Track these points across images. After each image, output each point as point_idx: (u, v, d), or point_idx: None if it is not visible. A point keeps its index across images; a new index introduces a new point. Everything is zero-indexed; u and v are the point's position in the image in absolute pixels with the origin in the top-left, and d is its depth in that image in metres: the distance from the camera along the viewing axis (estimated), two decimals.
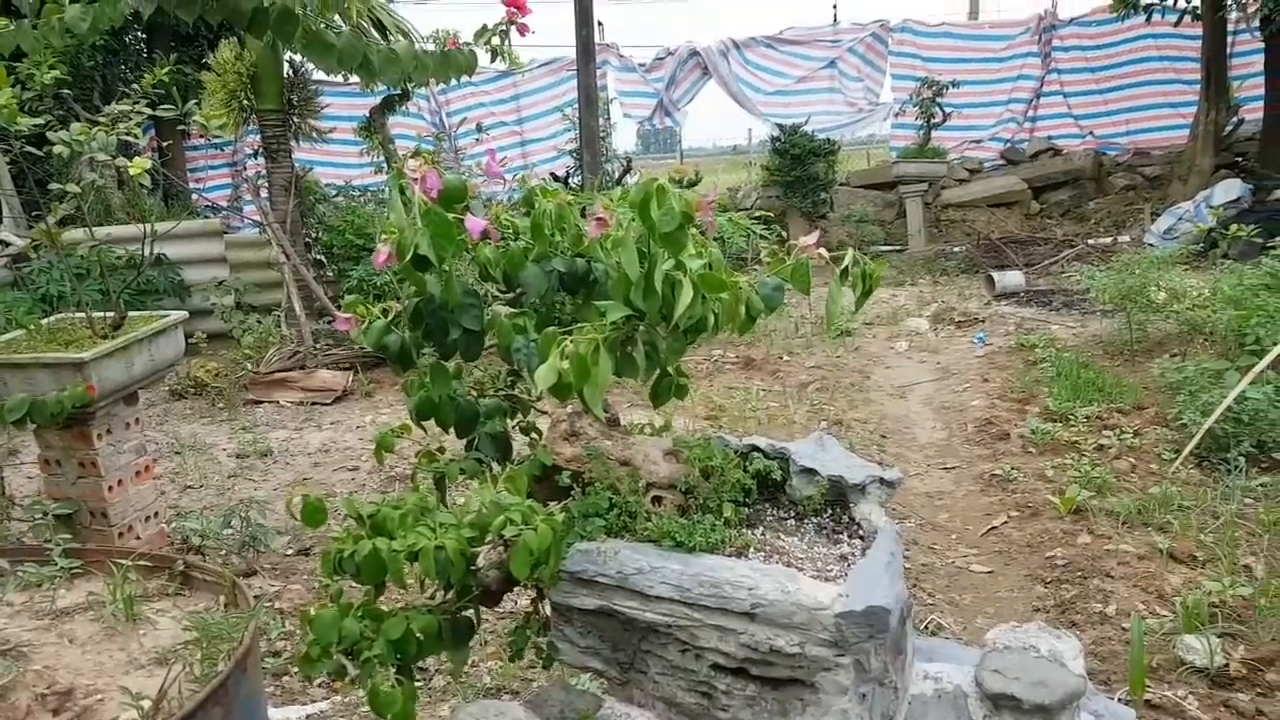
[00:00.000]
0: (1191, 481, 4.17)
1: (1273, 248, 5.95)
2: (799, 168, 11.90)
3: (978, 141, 14.14)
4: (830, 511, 2.06)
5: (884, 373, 6.59)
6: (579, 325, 1.70)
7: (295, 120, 8.22)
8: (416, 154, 1.54)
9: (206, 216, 10.23)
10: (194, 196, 11.55)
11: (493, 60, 2.50)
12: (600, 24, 11.87)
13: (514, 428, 2.13)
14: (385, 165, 9.60)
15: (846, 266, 1.69)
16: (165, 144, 11.46)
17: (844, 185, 12.99)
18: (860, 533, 1.99)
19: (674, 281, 1.44)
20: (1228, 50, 12.10)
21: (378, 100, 9.81)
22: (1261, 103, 11.84)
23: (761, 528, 2.01)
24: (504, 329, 1.73)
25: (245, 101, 7.81)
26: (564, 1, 10.25)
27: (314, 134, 8.41)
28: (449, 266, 1.65)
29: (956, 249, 11.40)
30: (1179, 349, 6.05)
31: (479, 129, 11.57)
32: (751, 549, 1.88)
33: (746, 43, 13.74)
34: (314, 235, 8.58)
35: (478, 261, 1.83)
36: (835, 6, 19.53)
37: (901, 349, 7.19)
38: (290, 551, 4.10)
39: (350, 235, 8.34)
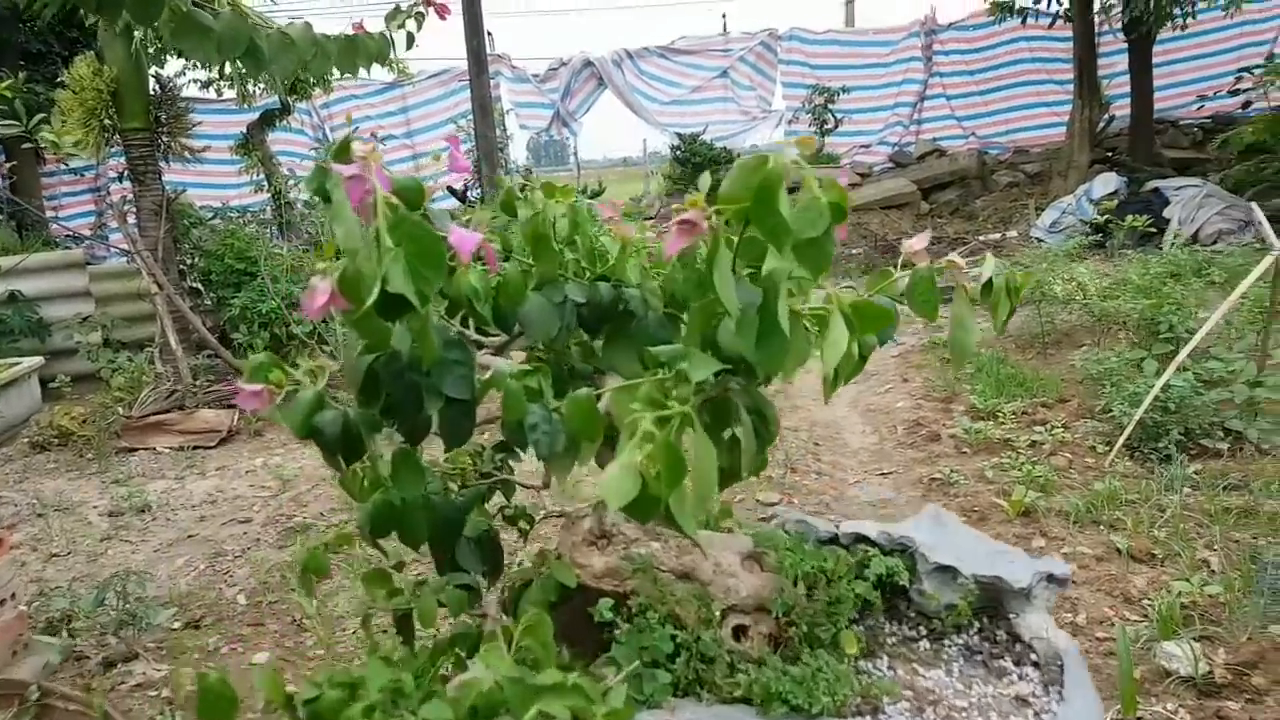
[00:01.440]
0: (1129, 474, 4.10)
1: (1152, 233, 6.04)
2: (700, 175, 11.80)
3: (867, 146, 14.36)
4: (978, 625, 1.52)
5: (806, 378, 6.40)
6: (596, 373, 1.31)
7: (164, 139, 7.60)
8: (346, 146, 0.99)
9: (67, 247, 9.43)
10: (51, 225, 10.67)
11: (404, 46, 2.14)
12: (490, 34, 11.52)
13: (496, 515, 1.58)
14: (266, 183, 9.05)
15: (990, 280, 1.21)
16: (10, 165, 10.57)
17: None
18: (1032, 657, 1.45)
19: (820, 317, 0.96)
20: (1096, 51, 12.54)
21: (255, 116, 9.28)
22: (1128, 100, 12.35)
23: (886, 656, 1.46)
24: (512, 396, 1.11)
25: (107, 121, 7.18)
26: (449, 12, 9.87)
27: (186, 153, 7.79)
28: (429, 308, 1.13)
29: (855, 250, 11.45)
30: (1089, 340, 6.10)
31: (375, 139, 11.04)
32: (886, 699, 1.32)
33: (640, 53, 13.62)
34: (189, 261, 7.96)
35: (451, 294, 1.26)
36: (725, 16, 19.64)
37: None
38: (177, 625, 3.62)
39: (230, 260, 7.76)
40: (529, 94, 13.52)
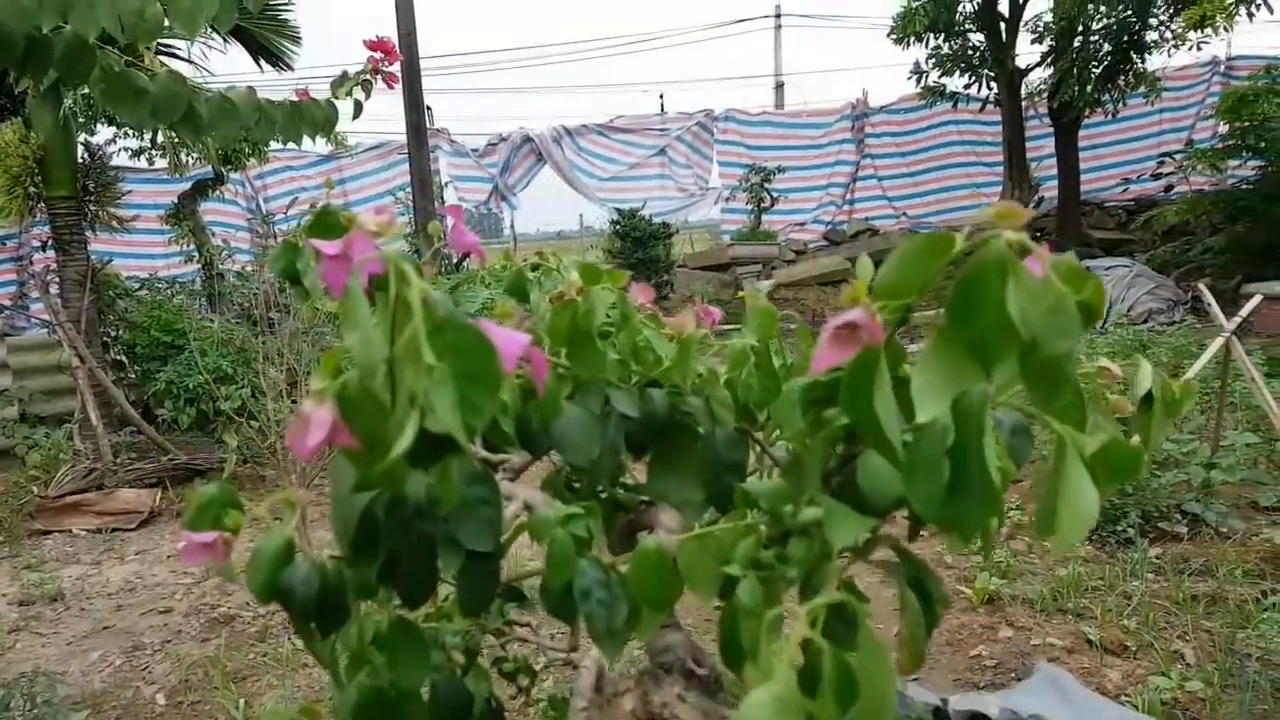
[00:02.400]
0: (1091, 558, 4.05)
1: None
2: (640, 250, 11.90)
3: (801, 224, 14.62)
4: None
5: None
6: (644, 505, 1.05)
7: (91, 208, 7.34)
8: (327, 216, 0.86)
9: None
10: None
11: (352, 115, 2.02)
12: (429, 108, 11.51)
13: (491, 668, 1.30)
14: (196, 254, 8.79)
15: (1150, 391, 0.92)
16: None
17: (682, 267, 13.06)
18: None
19: (1061, 454, 0.64)
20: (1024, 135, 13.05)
21: (188, 185, 9.06)
22: (1055, 182, 12.81)
23: None
24: (560, 551, 0.85)
25: (32, 188, 6.90)
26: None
27: (114, 222, 7.52)
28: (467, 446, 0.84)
29: (793, 325, 11.51)
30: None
31: (313, 210, 10.80)
32: None
33: (579, 130, 13.74)
34: (113, 334, 7.62)
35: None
36: (662, 97, 20.04)
37: None
38: None
39: (156, 332, 7.44)
40: (468, 168, 13.52)
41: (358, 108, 1.97)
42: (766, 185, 13.10)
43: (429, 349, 0.60)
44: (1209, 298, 4.15)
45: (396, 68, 1.91)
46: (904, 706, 1.40)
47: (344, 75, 1.96)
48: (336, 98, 1.97)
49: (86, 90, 7.33)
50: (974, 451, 0.63)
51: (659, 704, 1.08)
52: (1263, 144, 9.67)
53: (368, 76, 1.95)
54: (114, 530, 5.68)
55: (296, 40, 7.05)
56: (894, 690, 0.64)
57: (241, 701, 3.34)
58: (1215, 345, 4.09)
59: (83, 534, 5.66)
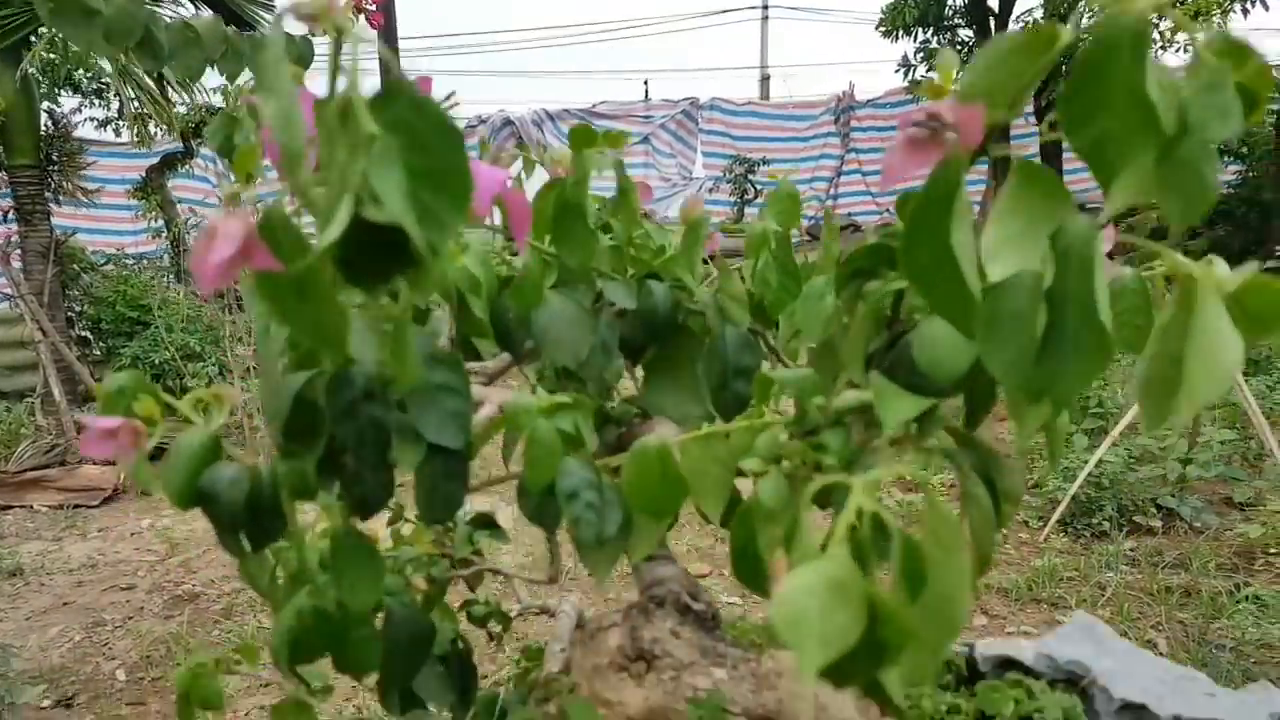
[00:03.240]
0: (1066, 550, 4.03)
1: None
2: None
3: None
4: None
5: None
6: (639, 417, 0.90)
7: (55, 178, 7.15)
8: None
9: None
10: None
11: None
12: None
13: (459, 613, 1.16)
14: (165, 230, 8.61)
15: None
16: None
17: None
18: None
19: (1190, 297, 0.50)
20: (1010, 133, 13.07)
21: (156, 159, 8.87)
22: None
23: None
24: (542, 446, 0.71)
25: None
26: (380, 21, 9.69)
27: (79, 194, 7.33)
28: (441, 271, 0.69)
29: None
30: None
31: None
32: None
33: (560, 114, 13.61)
34: (78, 309, 7.44)
35: (423, 287, 0.70)
36: (646, 83, 19.94)
37: None
38: (46, 704, 3.20)
39: (122, 307, 7.27)
40: None
41: (337, 41, 1.87)
42: (750, 177, 13.04)
43: (372, 117, 0.44)
44: None
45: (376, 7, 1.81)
46: None
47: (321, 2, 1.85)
48: (313, 31, 1.86)
49: (49, 55, 7.14)
50: (1080, 296, 0.48)
51: (649, 639, 0.97)
52: (1244, 149, 9.71)
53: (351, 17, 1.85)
54: (76, 507, 5.53)
55: (270, 8, 6.86)
56: (968, 582, 0.51)
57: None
58: None
59: (44, 510, 5.52)
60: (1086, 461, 4.20)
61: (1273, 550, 3.73)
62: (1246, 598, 3.36)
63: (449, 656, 1.04)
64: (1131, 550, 3.93)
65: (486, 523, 1.11)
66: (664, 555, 1.05)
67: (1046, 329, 0.49)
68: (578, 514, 0.71)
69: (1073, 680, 1.13)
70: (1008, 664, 1.20)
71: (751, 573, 0.66)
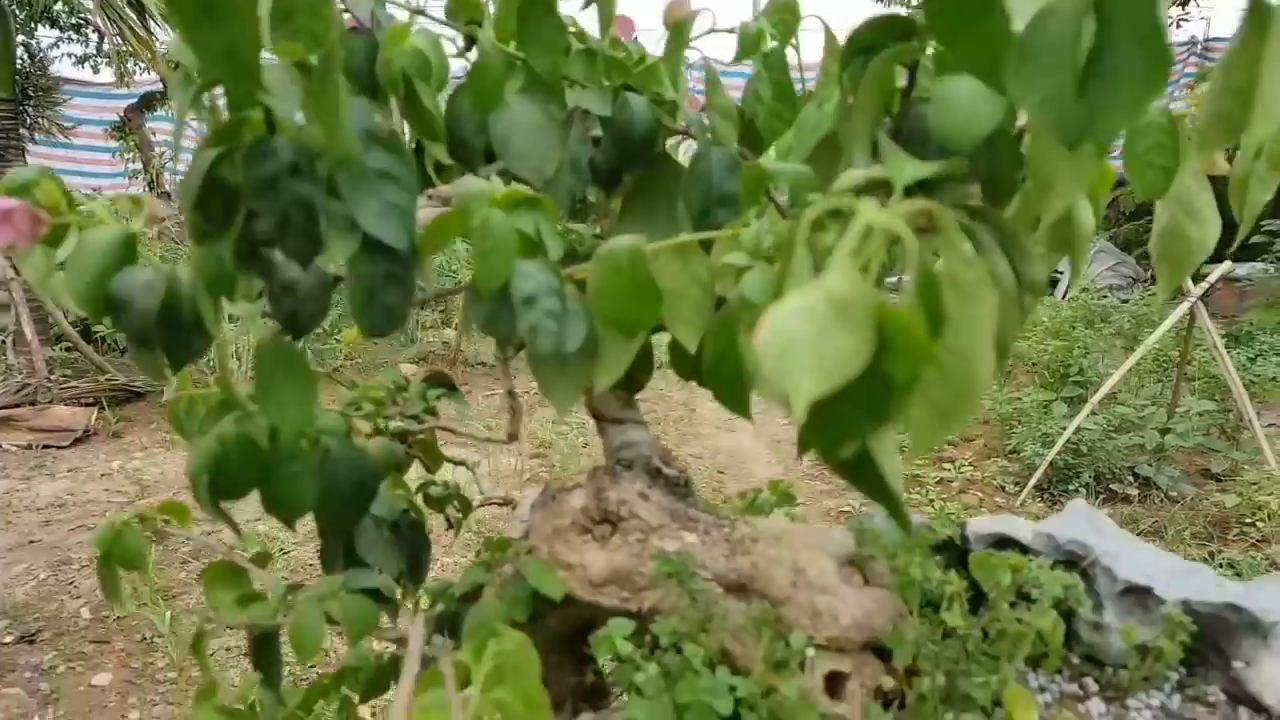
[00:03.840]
0: (1042, 515, 4.05)
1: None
2: None
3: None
4: (1175, 678, 1.03)
5: (709, 405, 6.27)
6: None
7: (30, 113, 6.98)
8: None
9: None
10: None
11: None
12: None
13: (415, 494, 1.08)
14: (142, 171, 8.44)
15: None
16: None
17: None
18: None
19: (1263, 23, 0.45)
20: None
21: (134, 100, 8.68)
22: None
23: None
24: (494, 239, 0.61)
25: None
26: None
27: (55, 129, 7.17)
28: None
29: None
30: (993, 380, 6.14)
31: None
32: None
33: None
34: None
35: (366, 70, 0.73)
36: (635, 39, 19.67)
37: None
38: (9, 639, 3.15)
39: None
40: None
41: None
42: None
43: None
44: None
45: None
46: (916, 530, 1.09)
47: None
48: None
49: None
50: (1132, 5, 0.39)
51: (615, 501, 0.91)
52: None
53: None
54: (45, 447, 5.46)
55: None
56: (990, 338, 0.42)
57: (169, 614, 3.21)
58: (1179, 311, 4.07)
59: (13, 450, 5.44)
60: (1065, 429, 4.20)
61: (1247, 520, 3.76)
62: (1220, 564, 3.38)
63: (399, 524, 0.97)
64: (1109, 516, 3.94)
65: (441, 382, 1.05)
66: (634, 418, 0.99)
67: (1090, 55, 0.42)
68: (535, 321, 0.62)
69: (1072, 562, 1.09)
70: (1004, 543, 1.16)
71: (731, 386, 0.58)
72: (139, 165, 8.51)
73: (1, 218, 0.61)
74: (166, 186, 8.65)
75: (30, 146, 7.06)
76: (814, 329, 0.36)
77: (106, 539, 1.00)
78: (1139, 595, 1.05)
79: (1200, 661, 1.05)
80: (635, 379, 0.88)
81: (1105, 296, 8.76)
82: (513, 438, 1.04)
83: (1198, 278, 3.92)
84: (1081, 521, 1.18)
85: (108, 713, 2.71)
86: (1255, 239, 8.71)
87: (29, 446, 5.45)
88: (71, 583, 3.63)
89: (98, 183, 10.05)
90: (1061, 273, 9.20)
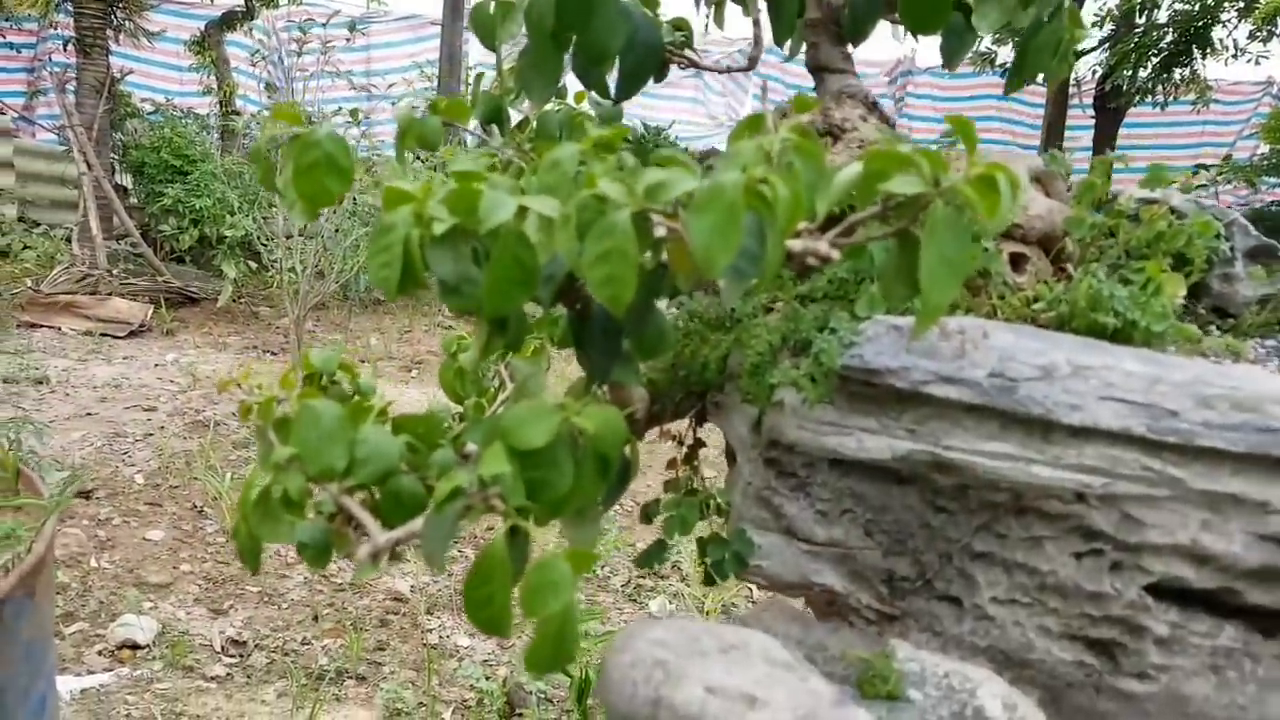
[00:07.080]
0: None
1: None
2: None
3: None
4: None
5: None
6: None
7: (118, 15, 7.12)
8: None
9: None
10: None
11: None
12: None
13: None
14: (216, 88, 8.58)
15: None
16: None
17: None
18: None
19: None
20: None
21: (216, 17, 8.82)
22: (1085, 171, 12.62)
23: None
24: None
25: None
26: None
27: (139, 33, 7.31)
28: None
29: None
30: None
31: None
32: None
33: None
34: (121, 150, 7.44)
35: None
36: (709, 17, 19.62)
37: None
38: (68, 492, 3.28)
39: (166, 154, 7.26)
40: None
41: None
42: None
43: None
44: None
45: None
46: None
47: None
48: None
49: None
50: None
51: (840, 118, 1.13)
52: None
53: None
54: (103, 335, 5.63)
55: None
56: None
57: (228, 475, 3.33)
58: None
59: (72, 334, 5.61)
60: None
61: None
62: None
63: None
64: None
65: None
66: (851, 69, 1.21)
67: None
68: None
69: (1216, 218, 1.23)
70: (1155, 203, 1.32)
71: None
72: (213, 82, 8.64)
73: None
74: (236, 106, 8.78)
75: (112, 45, 7.18)
76: None
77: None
78: (1267, 254, 1.23)
79: None
80: None
81: None
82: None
83: None
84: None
85: (160, 563, 2.82)
86: None
87: (87, 333, 5.61)
88: (126, 454, 3.76)
89: (168, 99, 10.22)
90: None
